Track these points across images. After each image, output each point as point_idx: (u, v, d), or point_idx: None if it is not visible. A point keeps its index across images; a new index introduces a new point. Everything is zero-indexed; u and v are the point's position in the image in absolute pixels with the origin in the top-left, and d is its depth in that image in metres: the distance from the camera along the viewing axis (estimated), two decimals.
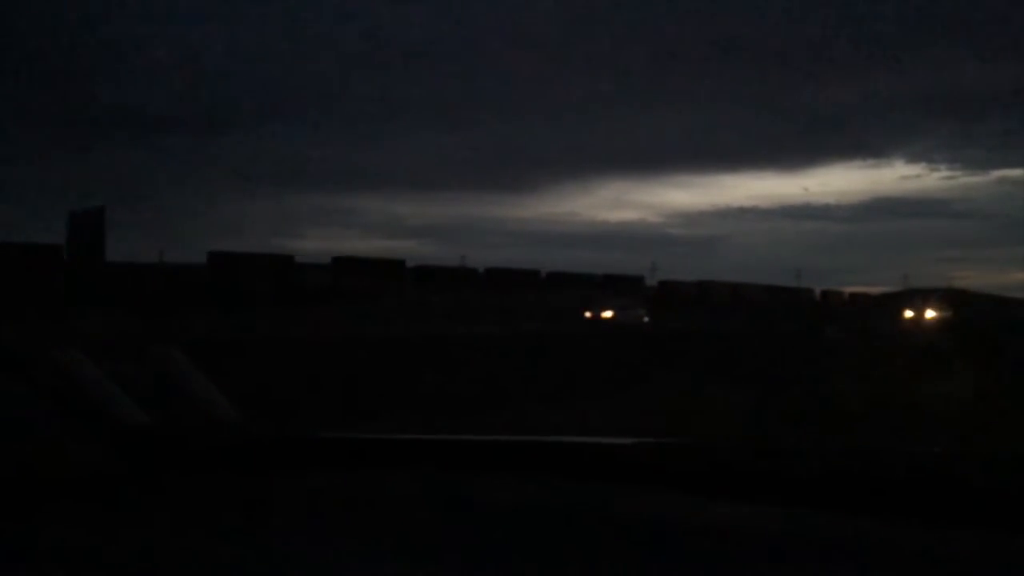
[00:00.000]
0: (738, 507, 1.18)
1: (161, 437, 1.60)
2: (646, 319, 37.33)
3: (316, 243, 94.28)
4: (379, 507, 1.32)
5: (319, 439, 1.64)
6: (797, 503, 1.17)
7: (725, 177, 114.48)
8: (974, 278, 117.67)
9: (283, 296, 39.92)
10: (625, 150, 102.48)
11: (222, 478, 1.49)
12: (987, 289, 72.86)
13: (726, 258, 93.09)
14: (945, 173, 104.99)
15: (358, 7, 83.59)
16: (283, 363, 12.91)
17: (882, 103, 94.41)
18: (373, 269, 48.87)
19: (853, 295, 78.30)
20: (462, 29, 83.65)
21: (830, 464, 1.28)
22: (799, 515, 1.14)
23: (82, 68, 67.62)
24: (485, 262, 55.15)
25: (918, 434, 7.25)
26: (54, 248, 38.58)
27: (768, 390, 10.15)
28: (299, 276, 46.75)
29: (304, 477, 1.47)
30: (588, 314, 36.82)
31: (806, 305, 56.26)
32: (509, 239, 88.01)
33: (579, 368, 14.38)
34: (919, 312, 41.92)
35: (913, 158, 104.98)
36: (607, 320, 36.41)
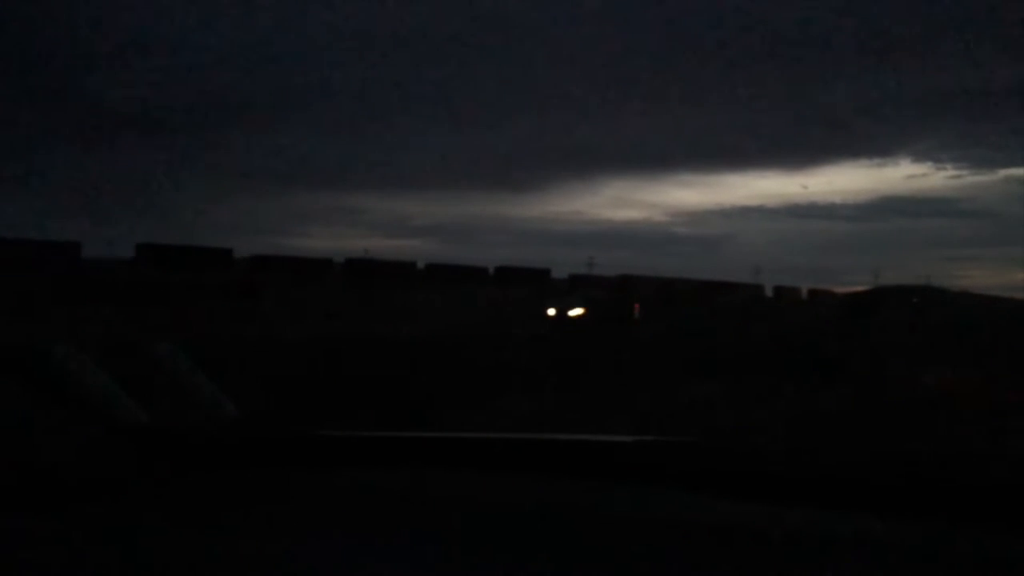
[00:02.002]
0: (738, 507, 1.17)
1: (161, 435, 1.58)
2: None
3: (322, 242, 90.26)
4: (380, 505, 1.31)
5: (321, 437, 1.61)
6: (797, 503, 1.17)
7: (731, 176, 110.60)
8: (980, 278, 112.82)
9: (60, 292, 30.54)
10: (631, 149, 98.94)
11: (223, 476, 1.48)
12: (991, 290, 66.07)
13: (732, 258, 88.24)
14: (951, 172, 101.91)
15: (364, 7, 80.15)
16: None
17: (888, 102, 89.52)
18: (193, 260, 39.19)
19: (813, 292, 72.45)
20: (469, 29, 78.54)
21: (830, 463, 1.29)
22: (799, 515, 1.14)
23: (87, 68, 64.63)
24: (489, 261, 47.77)
25: None
26: None
27: None
28: (103, 270, 37.16)
29: (306, 475, 1.47)
30: None
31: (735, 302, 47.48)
32: (514, 238, 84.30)
33: None
34: (562, 310, 28.67)
35: (919, 157, 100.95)
36: None
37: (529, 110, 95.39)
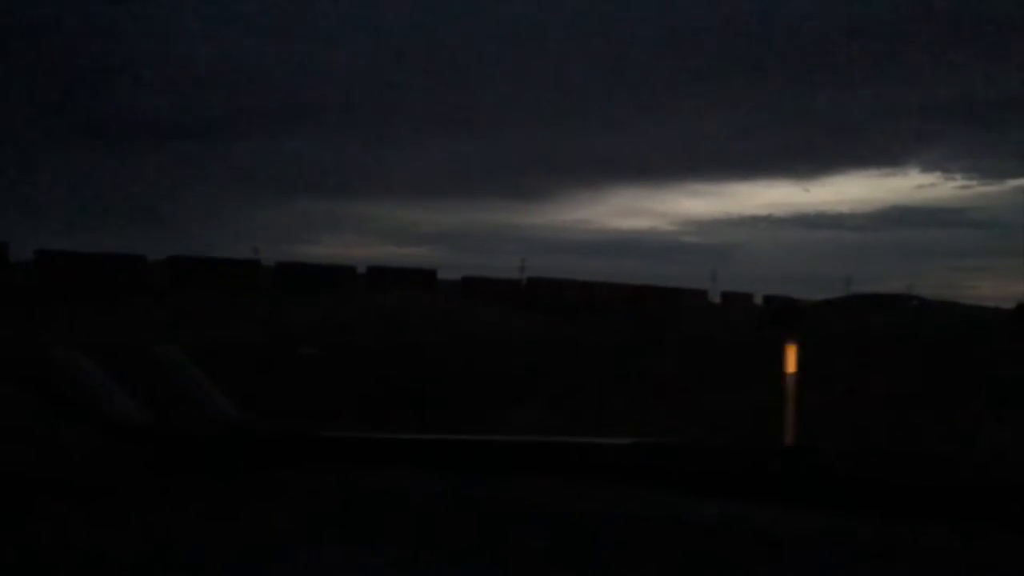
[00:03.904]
0: (738, 507, 1.18)
1: (162, 436, 1.57)
2: None
3: (330, 250, 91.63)
4: (381, 506, 1.32)
5: (321, 438, 1.61)
6: (797, 503, 1.17)
7: (739, 185, 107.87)
8: (988, 288, 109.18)
9: None
10: (638, 158, 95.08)
11: (223, 477, 1.48)
12: (999, 300, 61.45)
13: (742, 267, 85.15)
14: (961, 182, 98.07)
15: (368, 13, 77.20)
16: None
17: (897, 111, 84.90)
18: None
19: (768, 298, 65.97)
20: (477, 36, 74.35)
21: (830, 464, 1.31)
22: (799, 515, 1.15)
23: (94, 75, 65.16)
24: (494, 269, 44.83)
25: None
26: None
27: None
28: None
29: (306, 476, 1.47)
30: None
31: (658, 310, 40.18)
32: (521, 246, 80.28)
33: None
34: None
35: (928, 167, 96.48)
36: None
37: (537, 119, 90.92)
